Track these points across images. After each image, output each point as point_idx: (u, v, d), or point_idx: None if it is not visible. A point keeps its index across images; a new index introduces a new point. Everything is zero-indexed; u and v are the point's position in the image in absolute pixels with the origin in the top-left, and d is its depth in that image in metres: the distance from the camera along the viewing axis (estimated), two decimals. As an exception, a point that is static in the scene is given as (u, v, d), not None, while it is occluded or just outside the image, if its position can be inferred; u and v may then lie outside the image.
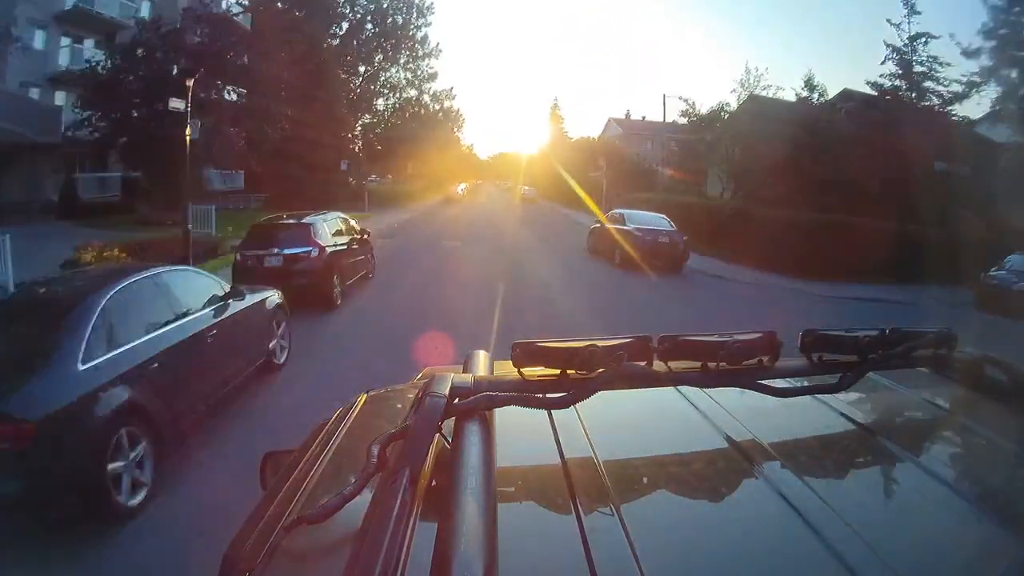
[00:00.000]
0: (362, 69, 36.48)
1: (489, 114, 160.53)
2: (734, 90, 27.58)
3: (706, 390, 1.04)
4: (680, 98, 33.66)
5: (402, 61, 37.90)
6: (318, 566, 0.74)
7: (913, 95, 19.64)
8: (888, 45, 19.93)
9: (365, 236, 11.09)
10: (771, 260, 14.42)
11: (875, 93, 20.27)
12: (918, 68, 19.52)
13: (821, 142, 18.40)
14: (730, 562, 0.70)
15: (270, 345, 5.83)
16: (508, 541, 0.61)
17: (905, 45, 19.65)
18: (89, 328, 3.52)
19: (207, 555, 0.98)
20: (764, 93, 25.07)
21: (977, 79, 18.66)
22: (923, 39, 19.40)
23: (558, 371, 0.86)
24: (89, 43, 19.63)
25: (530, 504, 0.83)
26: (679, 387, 1.06)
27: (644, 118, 46.62)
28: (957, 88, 19.04)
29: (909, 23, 19.51)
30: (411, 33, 37.23)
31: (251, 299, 5.59)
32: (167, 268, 4.77)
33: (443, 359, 5.30)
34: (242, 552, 0.78)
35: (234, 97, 22.82)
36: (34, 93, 18.50)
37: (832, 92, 22.45)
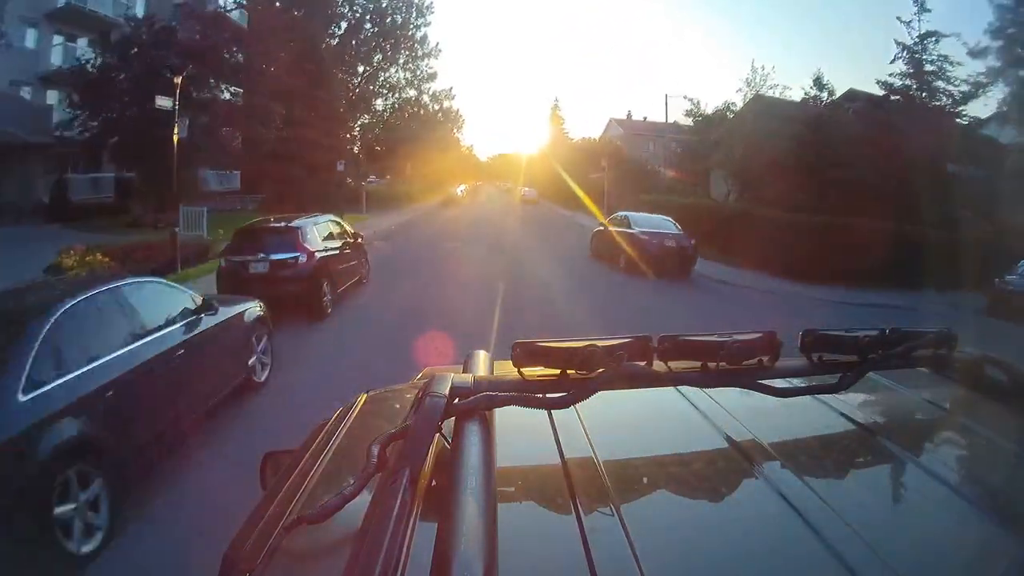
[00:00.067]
0: (361, 69, 36.32)
1: (489, 115, 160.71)
2: (740, 89, 26.83)
3: (706, 390, 1.04)
4: (685, 97, 33.48)
5: (401, 61, 37.67)
6: (318, 566, 0.74)
7: (924, 95, 19.15)
8: (898, 43, 19.38)
9: (358, 240, 10.72)
10: (780, 264, 13.99)
11: (884, 92, 19.77)
12: (929, 67, 18.98)
13: (829, 142, 18.06)
14: (730, 562, 0.70)
15: (249, 362, 5.41)
16: (508, 541, 0.61)
17: (915, 43, 19.11)
18: (32, 353, 3.08)
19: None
20: (771, 93, 24.73)
21: (984, 79, 18.28)
22: (933, 37, 18.89)
23: (558, 371, 0.87)
24: (82, 42, 19.34)
25: (530, 504, 0.83)
26: (679, 387, 1.07)
27: (645, 119, 46.56)
28: (964, 88, 18.67)
29: (919, 21, 19.02)
30: (410, 33, 37.04)
31: (227, 312, 5.13)
32: (130, 280, 4.30)
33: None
34: (242, 552, 0.78)
35: (229, 96, 22.51)
36: (26, 92, 18.17)
37: (837, 92, 22.13)
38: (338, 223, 10.15)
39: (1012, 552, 0.73)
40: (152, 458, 3.79)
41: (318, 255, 8.29)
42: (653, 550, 0.67)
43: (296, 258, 7.96)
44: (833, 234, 14.00)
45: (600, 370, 0.84)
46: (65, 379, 3.17)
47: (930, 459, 0.97)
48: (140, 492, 3.59)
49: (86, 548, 3.02)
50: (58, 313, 3.38)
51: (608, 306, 10.40)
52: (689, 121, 27.28)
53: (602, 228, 15.86)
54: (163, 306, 4.41)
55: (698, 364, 0.91)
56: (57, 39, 19.11)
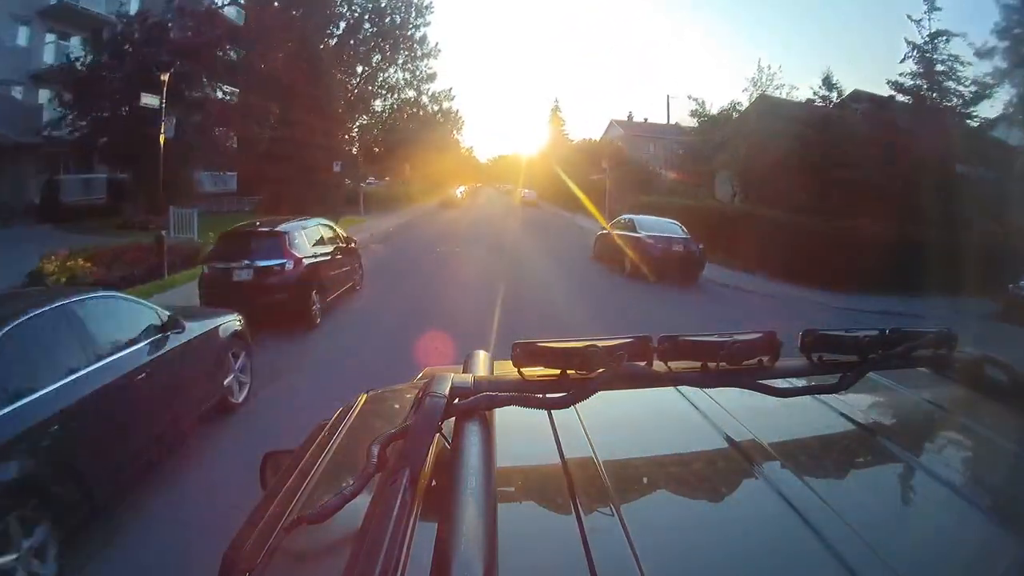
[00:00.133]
0: (360, 69, 36.24)
1: (489, 116, 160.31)
2: (745, 89, 26.04)
3: (706, 390, 1.04)
4: (690, 97, 32.84)
5: (400, 61, 37.46)
6: (318, 566, 0.74)
7: (935, 95, 18.75)
8: (909, 43, 18.90)
9: (351, 244, 10.26)
10: (790, 268, 13.64)
11: (893, 92, 19.39)
12: (939, 67, 18.54)
13: (837, 143, 17.76)
14: (730, 562, 0.70)
15: (225, 382, 4.99)
16: (508, 541, 0.61)
17: (926, 42, 18.64)
18: None
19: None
20: (777, 92, 24.29)
21: (990, 80, 17.94)
22: (944, 37, 18.43)
23: (558, 371, 0.87)
24: (76, 40, 18.86)
25: (530, 504, 0.83)
26: (679, 387, 1.07)
27: (646, 120, 46.47)
28: (973, 88, 18.29)
29: (929, 20, 18.56)
30: (410, 33, 36.86)
31: (198, 328, 4.70)
32: (85, 296, 3.83)
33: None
34: (242, 552, 0.78)
35: (223, 95, 22.17)
36: (17, 92, 17.72)
37: (844, 92, 21.63)
38: (329, 227, 9.73)
39: (1012, 552, 0.73)
40: (107, 498, 3.38)
41: (306, 261, 7.84)
42: (653, 550, 0.67)
43: (282, 265, 7.51)
44: (842, 237, 13.64)
45: (600, 370, 0.84)
46: (2, 412, 2.81)
47: (930, 459, 0.97)
48: (92, 537, 3.24)
49: None
50: None
51: (614, 314, 10.05)
52: (692, 122, 26.86)
53: (605, 231, 15.46)
54: (123, 324, 3.97)
55: (698, 364, 0.92)
56: (49, 37, 18.67)
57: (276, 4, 27.87)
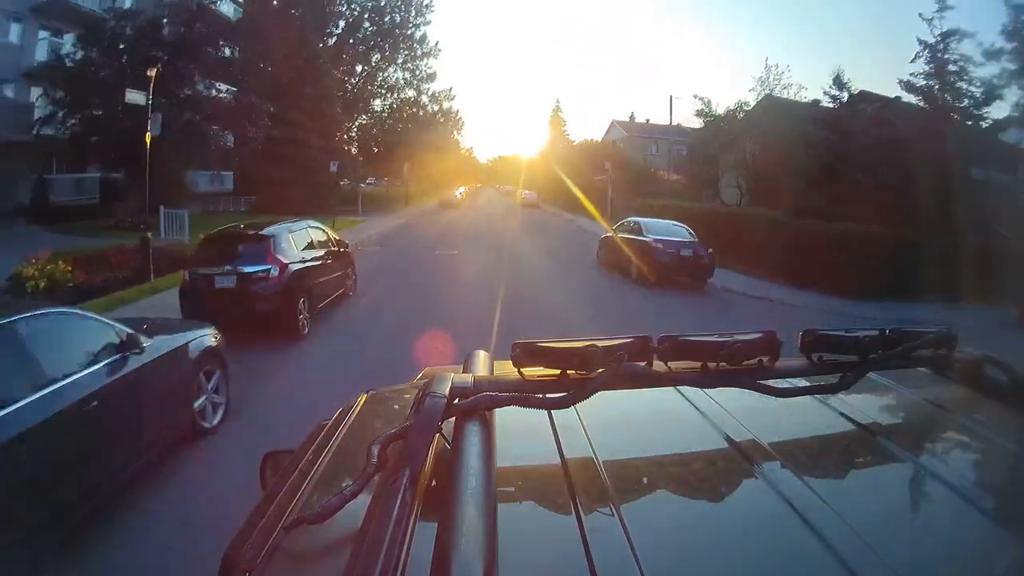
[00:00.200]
0: (359, 68, 36.21)
1: (489, 117, 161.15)
2: (752, 89, 25.80)
3: (706, 390, 1.04)
4: (695, 96, 32.48)
5: (400, 60, 37.48)
6: (318, 566, 0.74)
7: (947, 96, 18.30)
8: (921, 42, 18.37)
9: (343, 248, 9.73)
10: (803, 275, 13.20)
11: (904, 92, 18.97)
12: (951, 67, 18.05)
13: (849, 145, 17.39)
14: (730, 562, 0.70)
15: (196, 404, 4.51)
16: (508, 541, 0.61)
17: (937, 41, 18.06)
18: None
19: None
20: (785, 93, 23.93)
21: (999, 82, 17.49)
22: (955, 36, 17.85)
23: (558, 371, 0.87)
24: (69, 37, 18.45)
25: (530, 504, 0.83)
26: (679, 387, 1.07)
27: (648, 120, 46.54)
28: (981, 90, 17.88)
29: (940, 19, 18.07)
30: (409, 32, 36.87)
31: (164, 346, 4.21)
32: (32, 312, 3.35)
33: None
34: (242, 552, 0.78)
35: (217, 93, 21.82)
36: (9, 89, 17.37)
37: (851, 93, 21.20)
38: (321, 229, 9.23)
39: (1012, 552, 0.73)
40: (46, 550, 2.97)
41: (293, 267, 7.41)
42: (653, 550, 0.67)
43: (267, 271, 7.04)
44: (857, 242, 13.13)
45: (600, 370, 0.84)
46: None
47: (930, 459, 0.97)
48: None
49: None
50: None
51: (623, 324, 9.27)
52: (696, 123, 26.65)
53: (610, 235, 14.99)
54: (74, 345, 3.49)
55: (698, 364, 0.92)
56: (43, 34, 18.34)
57: (275, 2, 27.73)
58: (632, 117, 48.64)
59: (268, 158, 22.88)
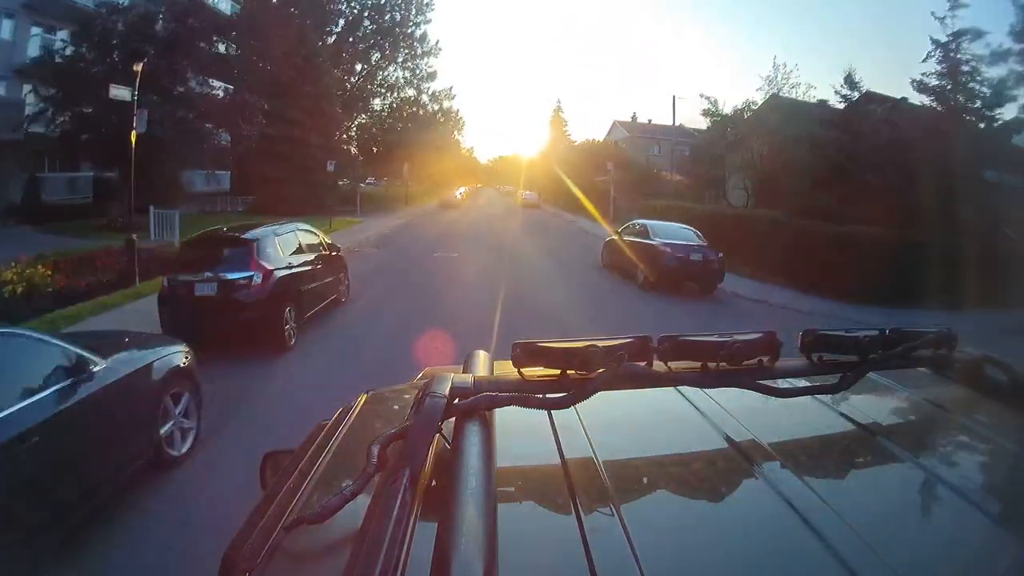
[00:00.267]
0: (359, 67, 36.14)
1: (490, 117, 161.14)
2: (760, 88, 25.73)
3: (706, 390, 1.04)
4: (702, 95, 31.68)
5: (400, 59, 37.40)
6: (318, 566, 0.74)
7: (960, 96, 17.86)
8: (933, 41, 17.84)
9: (335, 252, 9.25)
10: (812, 279, 12.80)
11: (917, 92, 18.48)
12: (964, 67, 17.56)
13: (860, 146, 17.00)
14: (730, 562, 0.70)
15: (162, 431, 4.06)
16: (508, 541, 0.61)
17: (949, 40, 17.51)
18: None
19: None
20: (793, 92, 23.52)
21: (1009, 83, 17.01)
22: (968, 35, 17.31)
23: (558, 371, 0.87)
24: (62, 34, 18.12)
25: (530, 504, 0.83)
26: (679, 387, 1.07)
27: (650, 121, 46.43)
28: (990, 91, 17.46)
29: (953, 17, 17.54)
30: (410, 30, 36.75)
31: (122, 369, 3.74)
32: None
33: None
34: (242, 552, 0.78)
35: (212, 90, 21.32)
36: (1, 87, 17.09)
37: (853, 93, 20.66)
38: (311, 232, 8.70)
39: (1012, 552, 0.73)
40: None
41: (279, 274, 6.96)
42: (653, 550, 0.67)
43: (249, 278, 6.59)
44: (872, 247, 12.63)
45: (600, 370, 0.84)
46: None
47: (930, 459, 0.97)
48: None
49: None
50: None
51: (630, 331, 8.75)
52: (700, 123, 26.31)
53: (615, 237, 14.46)
54: (10, 372, 3.08)
55: (698, 364, 0.92)
56: (35, 30, 18.02)
57: (274, 0, 27.59)
58: (634, 117, 48.52)
59: (265, 157, 22.69)
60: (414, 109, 39.65)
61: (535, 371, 0.88)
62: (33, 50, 17.89)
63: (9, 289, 8.07)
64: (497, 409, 0.84)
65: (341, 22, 34.58)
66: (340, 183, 30.23)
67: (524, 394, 0.84)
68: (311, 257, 8.09)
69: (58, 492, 3.10)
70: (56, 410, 3.14)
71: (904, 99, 19.12)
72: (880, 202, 14.79)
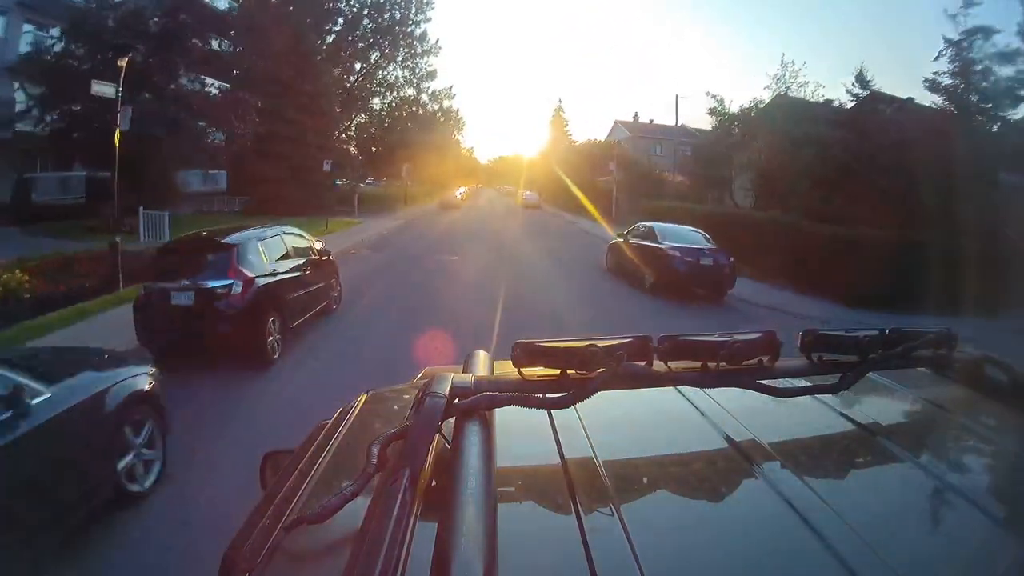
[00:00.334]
0: (358, 66, 35.97)
1: (490, 116, 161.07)
2: (768, 87, 24.53)
3: (706, 390, 1.04)
4: (708, 94, 31.09)
5: (400, 58, 37.14)
6: (318, 566, 0.74)
7: (973, 95, 17.24)
8: (946, 40, 17.41)
9: (326, 257, 8.69)
10: (829, 286, 12.33)
11: (927, 92, 18.22)
12: (977, 67, 17.18)
13: (865, 145, 16.70)
14: (730, 562, 0.70)
15: (120, 465, 3.57)
16: (508, 541, 0.62)
17: (963, 38, 17.08)
18: None
19: None
20: (801, 91, 23.03)
21: (1016, 84, 16.73)
22: (981, 34, 16.88)
23: (558, 371, 0.87)
24: (55, 31, 17.79)
25: (530, 504, 0.83)
26: (679, 387, 1.07)
27: (652, 121, 46.22)
28: (1003, 90, 17.08)
29: (966, 15, 17.06)
30: (409, 29, 36.48)
31: (71, 398, 3.25)
32: None
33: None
34: (242, 552, 0.78)
35: (206, 88, 21.11)
36: None
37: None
38: (300, 236, 8.19)
39: (1012, 552, 0.73)
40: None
41: (261, 281, 6.46)
42: (653, 550, 0.67)
43: (228, 287, 6.12)
44: (890, 252, 12.09)
45: (600, 370, 0.84)
46: None
47: (930, 459, 0.97)
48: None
49: None
50: None
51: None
52: (703, 123, 25.90)
53: (620, 240, 13.97)
54: None
55: (698, 364, 0.92)
56: (27, 27, 17.79)
57: (272, -1, 27.46)
58: (636, 117, 48.14)
59: (262, 157, 22.51)
60: (414, 108, 39.48)
61: (535, 371, 0.88)
62: (26, 48, 17.62)
63: None
64: (497, 409, 0.84)
65: (340, 20, 34.41)
66: (339, 183, 30.10)
67: (524, 394, 0.84)
68: (299, 262, 7.61)
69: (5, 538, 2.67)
70: None
71: (911, 99, 18.95)
72: (888, 203, 14.56)
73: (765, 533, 0.75)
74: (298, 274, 7.44)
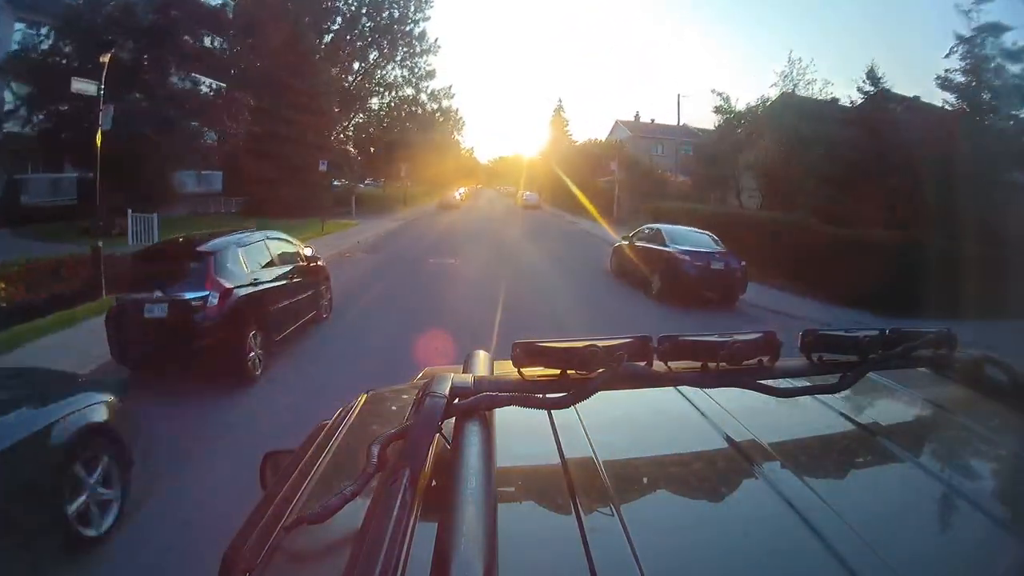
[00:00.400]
0: (356, 65, 35.86)
1: (490, 117, 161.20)
2: (775, 84, 24.28)
3: (706, 390, 1.04)
4: (714, 91, 30.19)
5: (399, 58, 37.00)
6: (318, 566, 0.74)
7: (986, 94, 17.08)
8: (958, 36, 17.12)
9: (315, 263, 8.17)
10: (843, 291, 11.76)
11: (938, 89, 17.85)
12: (990, 64, 16.82)
13: (874, 144, 16.51)
14: (730, 562, 0.70)
15: (71, 508, 3.12)
16: (508, 541, 0.62)
17: (974, 35, 16.77)
18: None
19: None
20: (808, 89, 22.76)
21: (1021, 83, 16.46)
22: (992, 32, 16.57)
23: (558, 371, 0.87)
24: (47, 30, 17.50)
25: (530, 504, 0.83)
26: (679, 387, 1.07)
27: (653, 120, 46.05)
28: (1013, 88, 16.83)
29: (978, 12, 16.75)
30: (408, 28, 36.36)
31: (6, 437, 2.83)
32: None
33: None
34: (242, 552, 0.78)
35: (202, 87, 20.87)
36: None
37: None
38: (286, 241, 7.71)
39: (1012, 552, 0.73)
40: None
41: (241, 292, 5.99)
42: (653, 550, 0.67)
43: (204, 298, 5.64)
44: (906, 255, 11.63)
45: (600, 370, 0.84)
46: None
47: (930, 459, 0.97)
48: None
49: None
50: None
51: None
52: (705, 123, 25.87)
53: (625, 243, 13.58)
54: None
55: (698, 364, 0.92)
56: (18, 26, 17.44)
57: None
58: (637, 117, 47.83)
59: (259, 157, 22.32)
60: (413, 108, 39.32)
61: (535, 371, 0.88)
62: (15, 47, 17.31)
63: None
64: (497, 409, 0.84)
65: (339, 19, 34.26)
66: (337, 184, 29.95)
67: (524, 394, 0.84)
68: (284, 270, 7.11)
69: None
70: None
71: (916, 97, 18.80)
72: (898, 203, 14.38)
73: (765, 533, 0.75)
74: (283, 283, 6.98)
